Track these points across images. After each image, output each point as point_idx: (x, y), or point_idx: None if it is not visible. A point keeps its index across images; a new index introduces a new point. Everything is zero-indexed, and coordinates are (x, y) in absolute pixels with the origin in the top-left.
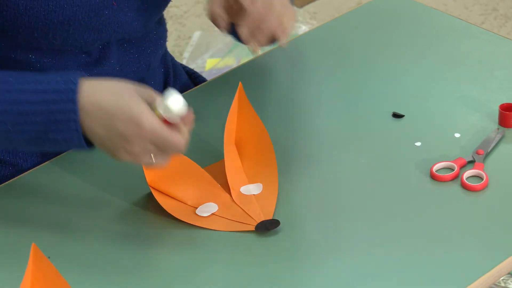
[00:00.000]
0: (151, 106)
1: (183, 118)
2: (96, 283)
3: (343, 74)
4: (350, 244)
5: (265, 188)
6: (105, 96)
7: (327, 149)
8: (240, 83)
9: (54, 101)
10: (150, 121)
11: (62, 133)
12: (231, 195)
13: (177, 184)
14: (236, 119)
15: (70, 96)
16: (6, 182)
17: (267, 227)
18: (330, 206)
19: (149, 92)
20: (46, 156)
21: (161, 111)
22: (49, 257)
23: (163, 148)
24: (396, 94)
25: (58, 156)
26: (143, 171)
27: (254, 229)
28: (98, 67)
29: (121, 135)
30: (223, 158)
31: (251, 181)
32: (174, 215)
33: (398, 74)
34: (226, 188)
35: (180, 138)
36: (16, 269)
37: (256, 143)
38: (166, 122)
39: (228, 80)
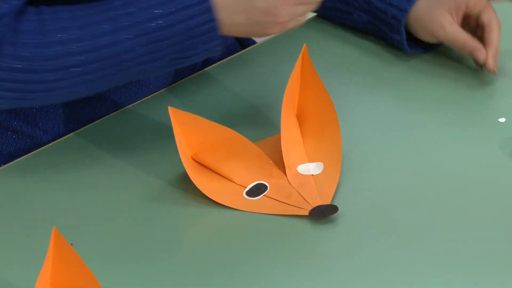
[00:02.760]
0: None
1: None
2: (123, 273)
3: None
4: (418, 237)
5: (326, 168)
6: None
7: (398, 123)
8: (304, 45)
9: (189, 17)
10: None
11: (203, 45)
12: (285, 174)
13: (224, 160)
14: (298, 87)
15: (206, 5)
16: (23, 157)
17: (323, 212)
18: (397, 191)
19: None
20: (69, 127)
21: None
22: (71, 244)
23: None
24: None
25: (83, 128)
26: (181, 144)
27: (308, 214)
28: None
29: (265, 12)
30: (278, 132)
31: (311, 159)
32: (215, 200)
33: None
34: (281, 166)
35: None
36: (35, 256)
37: (320, 116)
38: None
39: (282, 42)
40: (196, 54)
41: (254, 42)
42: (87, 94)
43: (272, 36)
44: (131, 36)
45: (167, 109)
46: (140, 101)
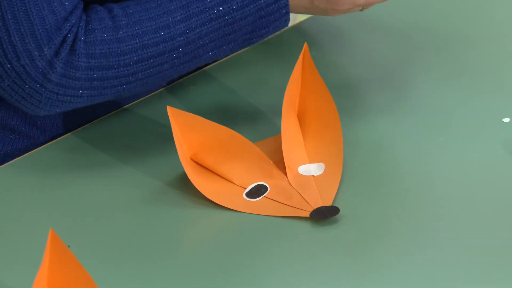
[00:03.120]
0: None
1: None
2: (120, 275)
3: (418, 38)
4: (420, 238)
5: (327, 169)
6: None
7: (401, 124)
8: (305, 43)
9: None
10: None
11: (274, 23)
12: (286, 175)
13: (223, 161)
14: (299, 86)
15: None
16: (20, 157)
17: (324, 214)
18: (400, 192)
19: None
20: (67, 127)
21: None
22: (69, 246)
23: None
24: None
25: (81, 128)
26: (180, 145)
27: (308, 215)
28: None
29: (326, 0)
30: (279, 132)
31: (312, 159)
32: (215, 201)
33: (483, 35)
34: (281, 167)
35: None
36: (31, 259)
37: (321, 116)
38: None
39: (282, 41)
40: (267, 32)
41: None
42: (158, 84)
43: (272, 34)
44: (204, 22)
45: (166, 108)
46: (138, 100)
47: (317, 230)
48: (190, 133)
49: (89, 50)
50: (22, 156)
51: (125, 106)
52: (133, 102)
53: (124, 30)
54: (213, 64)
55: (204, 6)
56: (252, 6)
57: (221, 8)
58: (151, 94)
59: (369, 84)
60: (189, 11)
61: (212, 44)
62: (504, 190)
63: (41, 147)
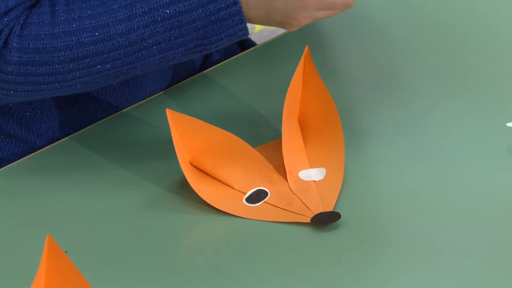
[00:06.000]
0: None
1: None
2: (119, 282)
3: (421, 41)
4: (423, 244)
5: (328, 174)
6: None
7: (403, 129)
8: (307, 46)
9: (210, 1)
10: None
11: (227, 30)
12: (286, 180)
13: (223, 165)
14: (300, 90)
15: None
16: (17, 161)
17: (325, 220)
18: (402, 197)
19: None
20: (64, 131)
21: None
22: (66, 252)
23: (331, 7)
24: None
25: (78, 132)
26: (179, 149)
27: (309, 221)
28: None
29: (283, 14)
30: (279, 136)
31: (313, 164)
32: (215, 206)
33: (486, 39)
34: (282, 171)
35: None
36: (28, 264)
37: (322, 120)
38: None
39: (283, 44)
40: (220, 39)
41: (254, 44)
42: (108, 84)
43: (273, 37)
44: (147, 23)
45: (165, 112)
46: (137, 104)
47: (318, 236)
48: (190, 137)
49: (22, 44)
50: (18, 160)
51: (123, 110)
52: (131, 106)
53: (61, 26)
54: (212, 67)
55: (149, 7)
56: (201, 10)
57: (167, 11)
58: (149, 98)
59: (371, 88)
60: (132, 11)
61: (158, 47)
62: (508, 196)
63: (38, 151)
